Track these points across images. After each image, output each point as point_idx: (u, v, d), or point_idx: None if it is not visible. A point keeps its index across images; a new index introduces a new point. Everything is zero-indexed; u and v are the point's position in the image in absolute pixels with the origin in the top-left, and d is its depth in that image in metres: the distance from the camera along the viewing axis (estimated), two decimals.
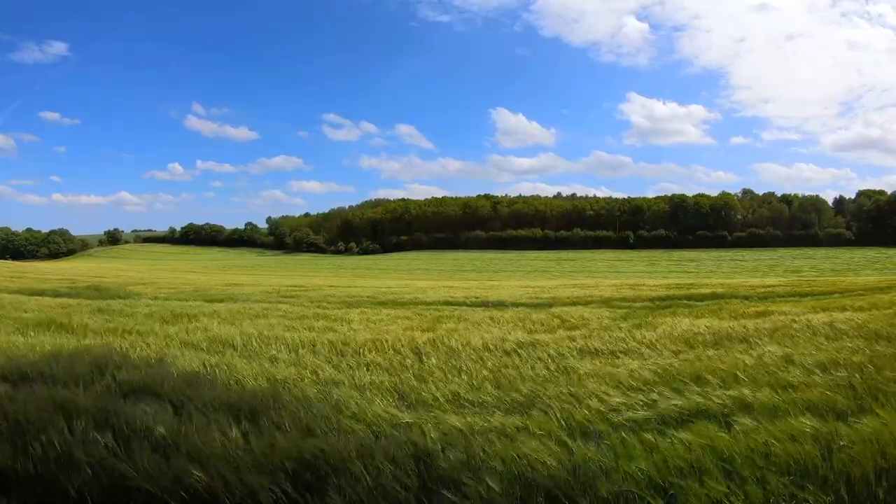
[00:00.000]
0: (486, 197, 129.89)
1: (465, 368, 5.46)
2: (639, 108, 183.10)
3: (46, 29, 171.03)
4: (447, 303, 15.67)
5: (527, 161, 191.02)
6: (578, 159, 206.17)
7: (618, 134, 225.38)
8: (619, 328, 8.24)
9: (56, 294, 19.04)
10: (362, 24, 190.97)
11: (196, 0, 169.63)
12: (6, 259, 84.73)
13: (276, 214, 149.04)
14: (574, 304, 14.41)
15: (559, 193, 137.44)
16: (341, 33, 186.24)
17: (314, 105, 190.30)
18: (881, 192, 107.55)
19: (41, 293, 19.33)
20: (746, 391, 4.18)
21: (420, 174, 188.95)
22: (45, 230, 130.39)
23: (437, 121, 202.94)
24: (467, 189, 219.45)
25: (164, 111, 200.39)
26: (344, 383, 4.89)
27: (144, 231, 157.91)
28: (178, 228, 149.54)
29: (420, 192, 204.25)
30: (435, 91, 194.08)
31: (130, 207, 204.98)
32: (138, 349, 6.69)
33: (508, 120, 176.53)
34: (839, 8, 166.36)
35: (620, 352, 6.29)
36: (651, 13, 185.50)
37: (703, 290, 18.34)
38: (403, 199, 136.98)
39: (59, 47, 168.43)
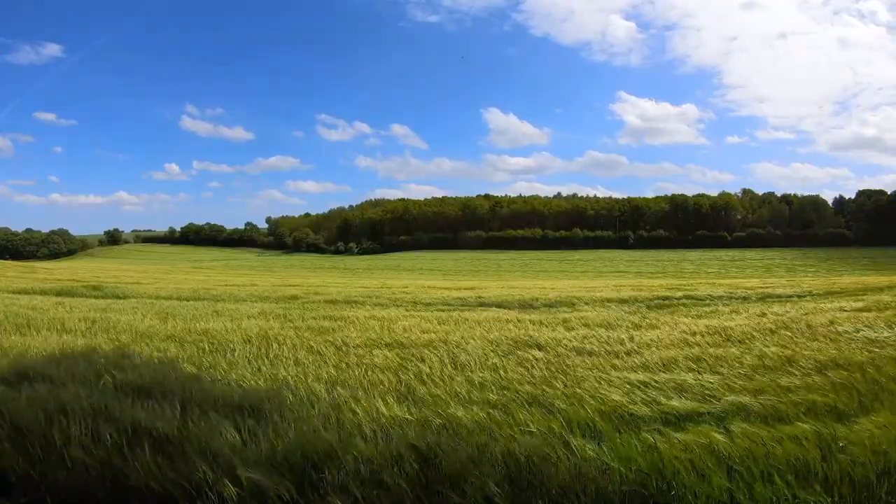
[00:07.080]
0: (486, 197, 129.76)
1: (467, 368, 5.48)
2: (632, 108, 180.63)
3: (41, 30, 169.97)
4: (448, 303, 15.67)
5: (522, 161, 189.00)
6: (574, 159, 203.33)
7: (612, 133, 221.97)
8: (620, 328, 8.26)
9: (57, 293, 19.05)
10: (352, 24, 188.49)
11: (188, 2, 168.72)
12: (6, 259, 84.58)
13: (274, 214, 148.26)
14: (574, 304, 14.41)
15: (559, 193, 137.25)
16: (331, 33, 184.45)
17: (307, 105, 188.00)
18: (881, 192, 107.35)
19: (41, 293, 19.33)
20: (746, 398, 4.20)
21: (416, 174, 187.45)
22: (44, 230, 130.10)
23: (430, 121, 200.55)
24: (464, 189, 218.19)
25: (159, 112, 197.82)
26: (345, 383, 4.90)
27: (144, 231, 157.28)
28: (178, 228, 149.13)
29: (417, 191, 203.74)
30: (427, 91, 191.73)
31: (129, 207, 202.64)
32: (140, 348, 6.71)
33: (501, 120, 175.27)
34: (831, 6, 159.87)
35: (622, 352, 6.30)
36: (641, 12, 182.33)
37: (703, 290, 18.30)
38: (403, 199, 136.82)
39: (53, 48, 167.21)
